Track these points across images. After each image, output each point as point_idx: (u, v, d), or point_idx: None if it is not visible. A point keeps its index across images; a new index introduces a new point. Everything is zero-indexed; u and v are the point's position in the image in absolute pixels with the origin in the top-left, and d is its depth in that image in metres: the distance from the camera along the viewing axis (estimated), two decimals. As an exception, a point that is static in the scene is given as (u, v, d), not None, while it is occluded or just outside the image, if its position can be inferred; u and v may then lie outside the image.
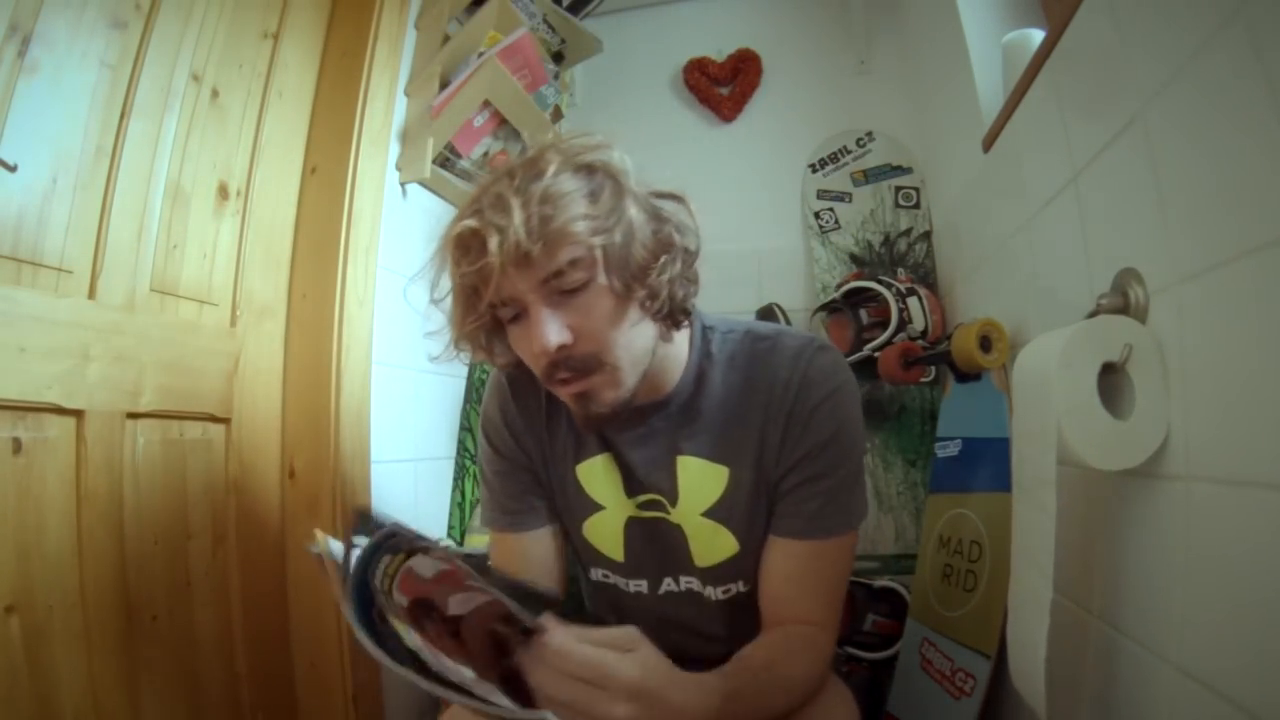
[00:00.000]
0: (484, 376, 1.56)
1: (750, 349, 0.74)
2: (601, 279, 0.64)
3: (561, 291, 0.63)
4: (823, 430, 0.70)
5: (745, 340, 0.75)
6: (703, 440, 0.73)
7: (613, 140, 0.68)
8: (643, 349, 0.68)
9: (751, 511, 0.73)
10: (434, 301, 0.71)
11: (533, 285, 0.62)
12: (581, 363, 0.64)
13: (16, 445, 0.75)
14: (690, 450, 0.73)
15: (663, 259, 0.66)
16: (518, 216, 0.60)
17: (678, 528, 0.75)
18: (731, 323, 0.78)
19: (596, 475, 0.77)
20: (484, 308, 0.65)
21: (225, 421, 1.04)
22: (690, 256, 0.69)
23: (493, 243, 0.60)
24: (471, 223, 0.62)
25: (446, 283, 0.69)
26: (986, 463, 1.05)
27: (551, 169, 0.63)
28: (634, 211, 0.65)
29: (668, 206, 0.69)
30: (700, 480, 0.73)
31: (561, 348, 0.63)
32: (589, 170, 0.65)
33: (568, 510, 0.80)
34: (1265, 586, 0.47)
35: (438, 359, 0.73)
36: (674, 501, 0.75)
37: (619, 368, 0.66)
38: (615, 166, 0.66)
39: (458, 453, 1.53)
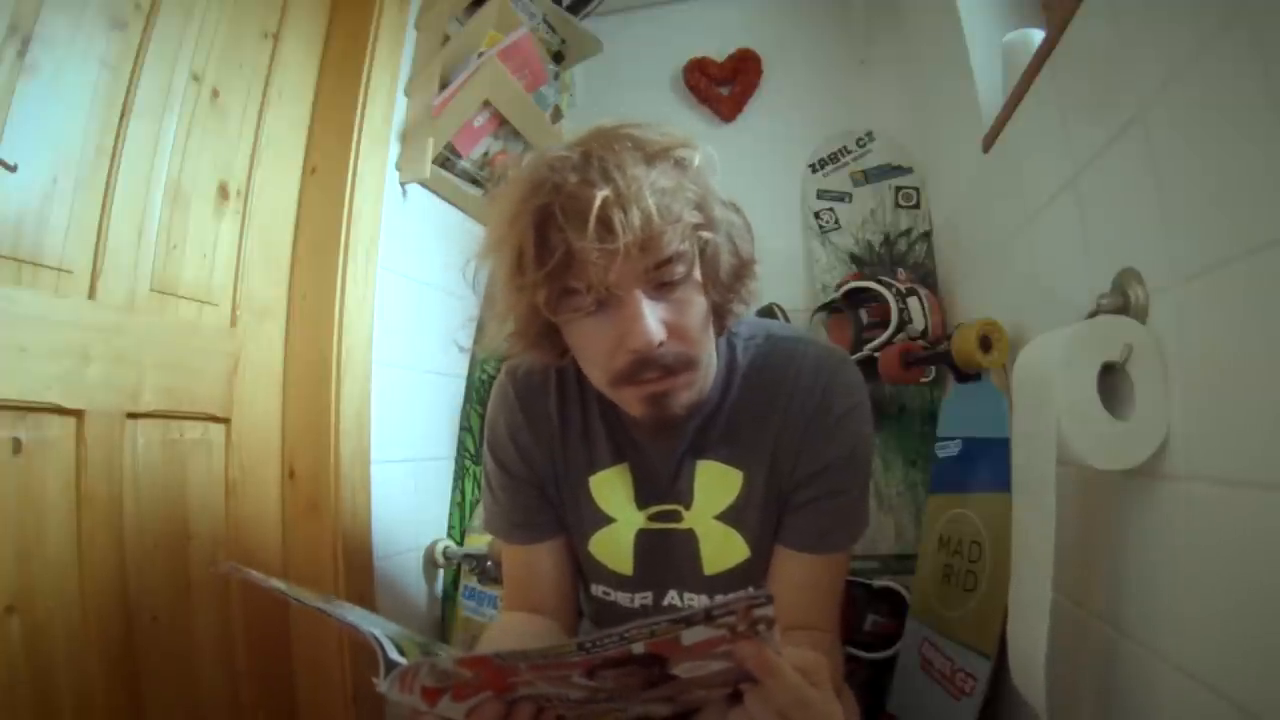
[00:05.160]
0: (484, 377, 1.56)
1: (771, 352, 0.74)
2: (697, 276, 0.62)
3: (659, 284, 0.60)
4: (844, 444, 0.71)
5: (766, 344, 0.75)
6: (721, 444, 0.73)
7: (695, 137, 0.64)
8: (714, 354, 0.68)
9: (763, 516, 0.73)
10: (519, 283, 0.61)
11: (639, 273, 0.58)
12: (674, 361, 0.62)
13: (16, 445, 0.75)
14: (710, 455, 0.73)
15: (747, 267, 0.65)
16: (650, 196, 0.56)
17: (689, 533, 0.74)
18: (751, 325, 0.77)
19: (608, 487, 0.76)
20: (589, 296, 0.59)
21: (225, 422, 1.04)
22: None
23: (629, 219, 0.54)
24: (606, 192, 0.55)
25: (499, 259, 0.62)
26: (986, 463, 1.05)
27: (655, 154, 0.59)
28: (723, 214, 0.64)
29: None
30: (715, 483, 0.73)
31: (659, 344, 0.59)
32: (683, 165, 0.62)
33: (576, 525, 0.78)
34: (1265, 586, 0.47)
35: (469, 351, 0.70)
36: (689, 505, 0.74)
37: (701, 369, 0.65)
38: (708, 165, 0.63)
39: (458, 453, 1.53)
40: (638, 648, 0.36)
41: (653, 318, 0.59)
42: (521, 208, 0.59)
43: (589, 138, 0.62)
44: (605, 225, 0.55)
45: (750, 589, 0.35)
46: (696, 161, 0.63)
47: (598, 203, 0.55)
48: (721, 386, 0.73)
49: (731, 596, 0.34)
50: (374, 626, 0.44)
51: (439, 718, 0.44)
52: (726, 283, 0.66)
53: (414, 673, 0.40)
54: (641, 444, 0.75)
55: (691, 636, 0.36)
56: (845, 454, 0.71)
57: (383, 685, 0.40)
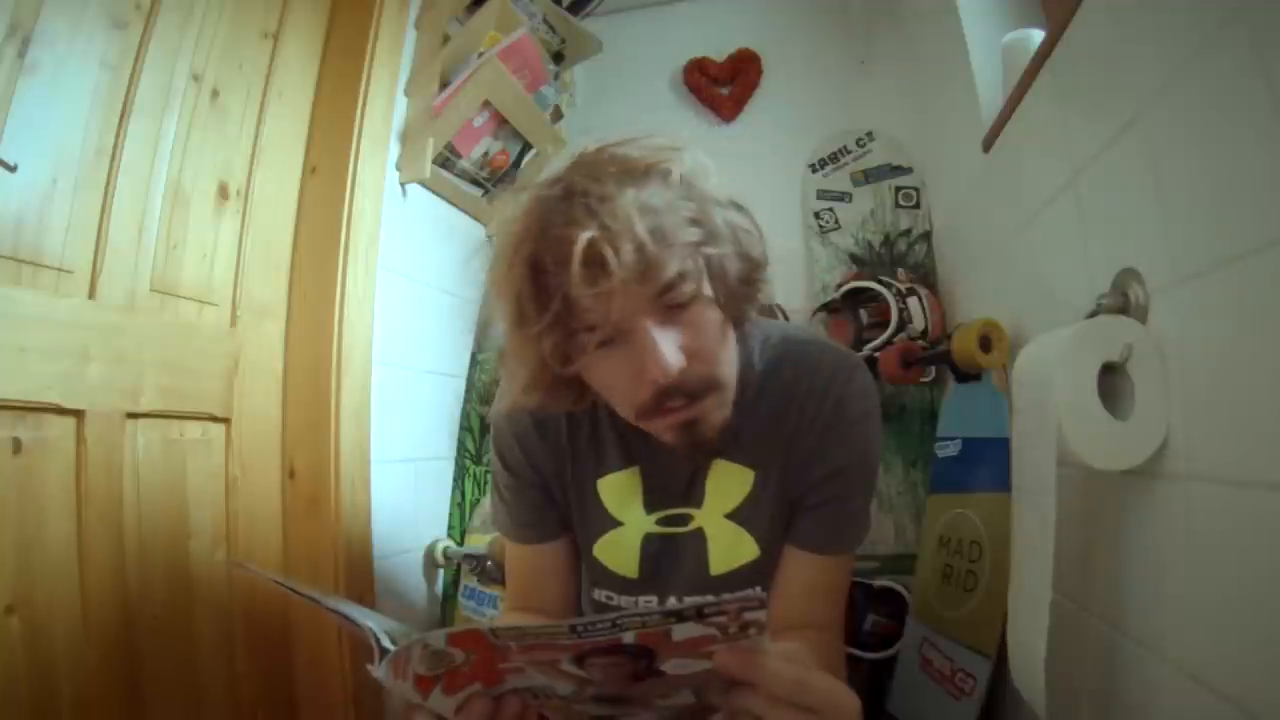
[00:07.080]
0: (484, 377, 1.56)
1: (787, 354, 0.73)
2: (707, 291, 0.60)
3: (669, 308, 0.57)
4: (859, 448, 0.71)
5: (782, 346, 0.74)
6: (736, 444, 0.72)
7: (685, 141, 0.62)
8: (735, 363, 0.66)
9: (774, 516, 0.73)
10: (529, 328, 0.58)
11: (644, 303, 0.56)
12: (698, 386, 0.60)
13: (16, 445, 0.75)
14: (725, 455, 0.73)
15: (757, 269, 0.63)
16: (640, 224, 0.53)
17: (698, 532, 0.74)
18: (767, 327, 0.76)
19: (617, 490, 0.75)
20: (592, 339, 0.57)
21: (225, 421, 1.04)
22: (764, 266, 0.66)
23: (620, 255, 0.52)
24: (591, 232, 0.53)
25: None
26: (986, 463, 1.05)
27: (641, 172, 0.57)
28: (724, 221, 0.61)
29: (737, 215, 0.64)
30: (726, 482, 0.73)
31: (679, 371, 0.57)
32: (673, 177, 0.59)
33: (582, 527, 0.78)
34: (1265, 586, 0.47)
35: (504, 410, 0.70)
36: (699, 504, 0.74)
37: (727, 386, 0.63)
38: (700, 170, 0.61)
39: (458, 453, 1.53)
40: (628, 637, 0.36)
41: (668, 346, 0.57)
42: (514, 257, 0.58)
43: (571, 169, 0.60)
44: (597, 265, 0.53)
45: (744, 591, 0.35)
46: (687, 169, 0.60)
47: (582, 245, 0.53)
48: (739, 388, 0.72)
49: (725, 596, 0.34)
50: (369, 620, 0.44)
51: (432, 714, 0.44)
52: (738, 289, 0.63)
53: (406, 656, 0.40)
54: (655, 448, 0.73)
55: (682, 632, 0.36)
56: (859, 458, 0.72)
57: (378, 670, 0.41)
